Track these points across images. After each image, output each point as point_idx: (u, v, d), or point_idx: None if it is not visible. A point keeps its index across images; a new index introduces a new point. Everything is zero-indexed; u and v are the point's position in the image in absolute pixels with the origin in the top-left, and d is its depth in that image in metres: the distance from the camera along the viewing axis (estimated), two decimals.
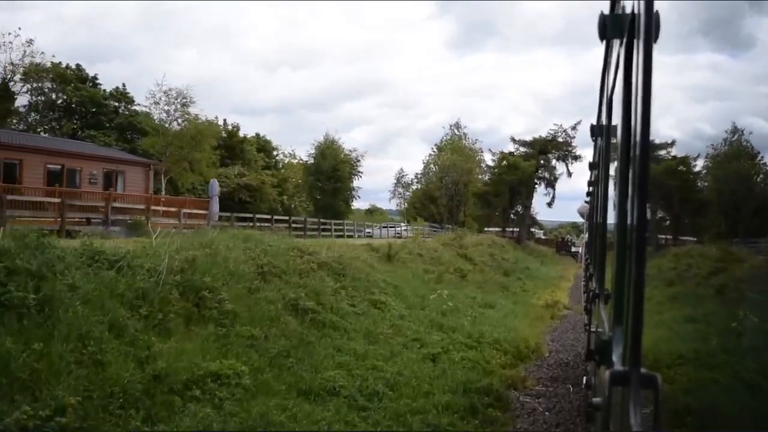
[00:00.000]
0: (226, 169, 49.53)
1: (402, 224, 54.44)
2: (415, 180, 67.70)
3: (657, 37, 1.43)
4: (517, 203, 54.64)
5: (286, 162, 61.24)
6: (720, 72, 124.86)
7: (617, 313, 1.90)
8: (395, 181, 67.81)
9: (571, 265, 47.28)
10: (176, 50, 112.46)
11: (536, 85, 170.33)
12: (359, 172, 51.03)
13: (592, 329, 4.96)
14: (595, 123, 5.54)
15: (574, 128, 55.36)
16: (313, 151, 50.52)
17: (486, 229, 57.83)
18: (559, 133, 55.76)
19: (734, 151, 53.53)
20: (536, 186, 56.65)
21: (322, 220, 44.00)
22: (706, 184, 54.32)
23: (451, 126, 67.86)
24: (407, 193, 67.44)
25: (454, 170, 65.44)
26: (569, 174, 56.55)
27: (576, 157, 55.95)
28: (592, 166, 7.67)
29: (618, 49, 2.31)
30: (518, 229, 56.03)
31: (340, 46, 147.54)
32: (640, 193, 1.47)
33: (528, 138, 56.52)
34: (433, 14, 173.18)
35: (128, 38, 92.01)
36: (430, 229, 50.81)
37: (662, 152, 53.06)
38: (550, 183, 57.47)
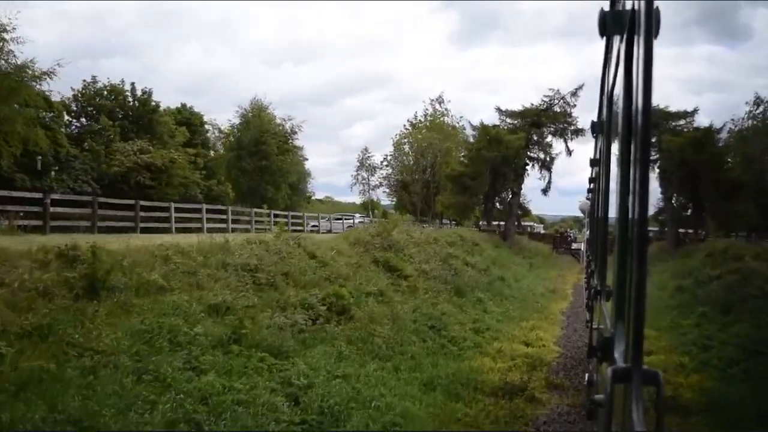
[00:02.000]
0: (124, 144, 38.49)
1: (357, 215, 43.10)
2: (384, 163, 56.13)
3: (657, 33, 1.44)
4: (504, 189, 43.08)
5: (223, 140, 49.86)
6: (716, 63, 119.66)
7: (619, 310, 1.93)
8: (358, 164, 55.92)
9: (570, 268, 36.03)
10: (178, 46, 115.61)
11: (540, 79, 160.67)
12: (294, 147, 39.40)
13: (594, 326, 5.14)
14: (595, 119, 5.50)
15: (574, 94, 44.09)
16: (237, 121, 39.05)
17: (481, 223, 46.53)
18: (556, 101, 44.37)
19: (764, 126, 42.24)
20: (527, 168, 45.38)
21: (235, 210, 33.02)
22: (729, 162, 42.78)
23: (432, 100, 56.26)
24: (372, 179, 55.78)
25: (430, 151, 54.36)
26: (569, 152, 45.22)
27: (577, 132, 44.70)
28: (593, 163, 7.56)
29: (618, 45, 2.31)
30: (505, 222, 44.75)
31: (343, 40, 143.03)
32: (641, 190, 1.44)
33: (517, 108, 45.13)
34: (435, 9, 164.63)
35: (131, 35, 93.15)
36: (417, 224, 39.84)
37: (681, 122, 41.64)
38: (545, 165, 46.13)
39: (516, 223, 48.41)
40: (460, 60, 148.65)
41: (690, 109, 41.22)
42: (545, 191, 46.94)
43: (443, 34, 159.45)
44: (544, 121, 44.49)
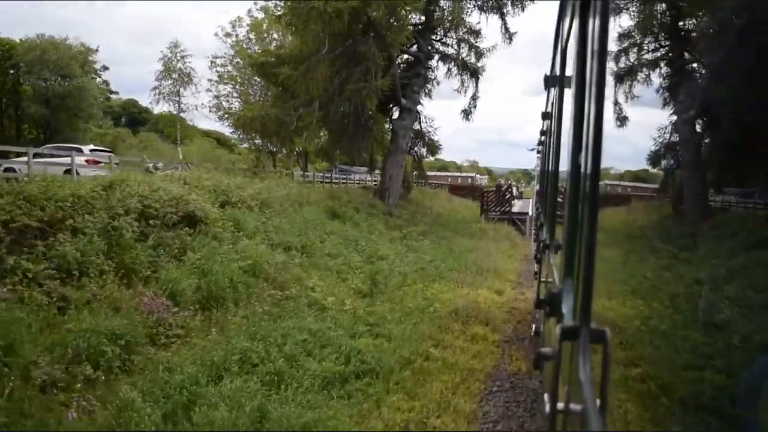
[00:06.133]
0: None
1: (88, 147, 20.95)
2: (215, 65, 33.48)
3: None
4: (365, 91, 21.81)
5: None
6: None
7: (568, 266, 1.91)
8: (162, 68, 32.63)
9: (502, 274, 15.46)
10: None
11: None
12: None
13: (542, 279, 5.18)
14: (548, 73, 5.59)
15: None
16: None
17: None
18: None
19: None
20: (432, 65, 24.43)
21: None
22: None
23: None
24: (186, 94, 32.97)
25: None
26: (508, 35, 24.46)
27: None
28: (545, 116, 7.69)
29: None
30: (384, 162, 23.87)
31: None
32: (594, 147, 1.39)
33: None
34: None
35: None
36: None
37: None
38: (467, 65, 25.18)
39: (416, 170, 27.65)
40: None
41: None
42: (467, 113, 26.15)
43: None
44: None
